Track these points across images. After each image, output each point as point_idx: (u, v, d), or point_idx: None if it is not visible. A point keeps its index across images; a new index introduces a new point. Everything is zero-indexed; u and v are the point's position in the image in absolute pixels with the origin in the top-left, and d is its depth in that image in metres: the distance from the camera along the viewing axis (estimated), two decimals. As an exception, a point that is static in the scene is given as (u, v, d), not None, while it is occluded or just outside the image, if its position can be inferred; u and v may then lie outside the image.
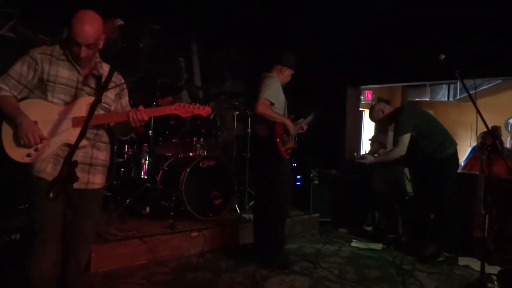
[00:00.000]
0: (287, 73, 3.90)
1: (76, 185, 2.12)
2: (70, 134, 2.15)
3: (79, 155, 2.19)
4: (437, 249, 4.11)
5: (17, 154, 2.11)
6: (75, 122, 2.16)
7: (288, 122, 3.75)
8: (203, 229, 4.11)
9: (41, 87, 2.15)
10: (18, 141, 2.09)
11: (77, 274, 2.30)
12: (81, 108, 2.18)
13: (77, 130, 2.14)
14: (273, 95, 3.67)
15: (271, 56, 4.08)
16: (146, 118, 2.22)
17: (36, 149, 2.11)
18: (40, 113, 2.14)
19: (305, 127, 4.14)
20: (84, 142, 2.18)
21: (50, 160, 2.16)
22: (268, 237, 3.78)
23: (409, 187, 4.84)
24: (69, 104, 2.17)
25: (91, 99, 2.21)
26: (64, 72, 2.18)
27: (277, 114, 3.70)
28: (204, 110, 2.34)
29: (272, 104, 3.66)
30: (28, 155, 2.11)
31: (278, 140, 3.64)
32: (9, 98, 2.12)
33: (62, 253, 2.12)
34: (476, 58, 4.47)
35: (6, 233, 3.42)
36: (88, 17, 2.11)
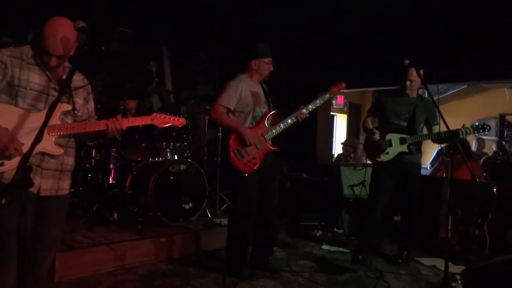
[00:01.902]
0: (262, 65, 3.57)
1: (47, 192, 2.14)
2: (46, 142, 2.05)
3: (51, 162, 2.14)
4: (402, 250, 4.19)
5: None
6: (51, 130, 2.10)
7: (243, 130, 3.40)
8: (173, 235, 4.06)
9: (9, 92, 2.05)
10: None
11: (39, 282, 2.24)
12: (55, 115, 2.12)
13: (53, 138, 2.11)
14: (230, 99, 3.45)
15: (241, 55, 3.74)
16: (124, 128, 2.22)
17: (9, 158, 2.00)
18: (9, 119, 2.02)
19: (302, 117, 3.58)
20: (60, 150, 2.15)
21: None
22: (227, 244, 3.64)
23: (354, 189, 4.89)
24: (42, 111, 2.09)
25: (66, 106, 2.18)
26: (34, 77, 2.09)
27: (229, 121, 3.46)
28: (179, 121, 2.46)
29: (228, 109, 3.46)
30: (1, 164, 2.01)
31: (232, 155, 3.37)
32: None
33: (20, 261, 2.05)
34: (439, 64, 4.60)
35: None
36: (62, 28, 2.04)
